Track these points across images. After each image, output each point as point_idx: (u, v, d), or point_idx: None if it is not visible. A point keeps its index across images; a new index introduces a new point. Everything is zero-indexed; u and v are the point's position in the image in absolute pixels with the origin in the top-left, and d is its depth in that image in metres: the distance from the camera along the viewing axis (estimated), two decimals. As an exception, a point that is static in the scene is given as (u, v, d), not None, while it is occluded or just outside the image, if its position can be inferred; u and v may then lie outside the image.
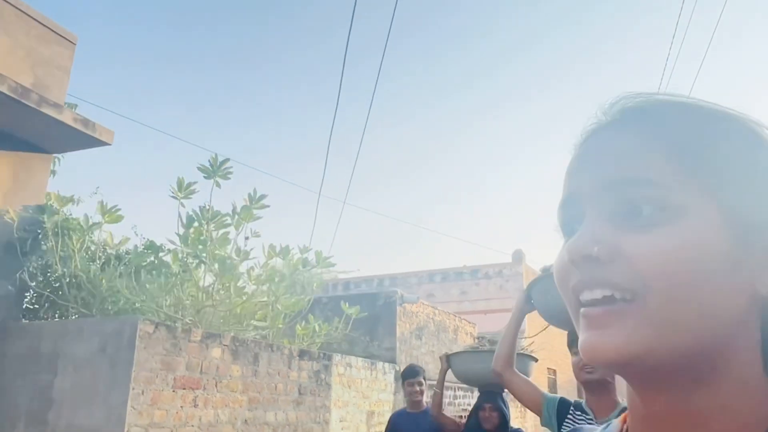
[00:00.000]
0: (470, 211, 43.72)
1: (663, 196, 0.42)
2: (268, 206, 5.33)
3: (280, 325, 6.23)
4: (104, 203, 4.63)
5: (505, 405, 3.45)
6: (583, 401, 2.23)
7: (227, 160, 5.32)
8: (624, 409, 1.68)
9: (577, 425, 2.04)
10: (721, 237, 0.41)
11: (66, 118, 4.67)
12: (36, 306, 4.74)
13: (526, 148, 41.56)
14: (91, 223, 4.63)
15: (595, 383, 2.13)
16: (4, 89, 4.23)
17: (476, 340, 4.11)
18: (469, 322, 11.31)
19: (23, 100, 4.36)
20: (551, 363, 18.41)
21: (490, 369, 3.38)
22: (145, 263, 4.66)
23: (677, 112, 0.45)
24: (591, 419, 2.14)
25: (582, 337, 0.43)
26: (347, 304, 6.86)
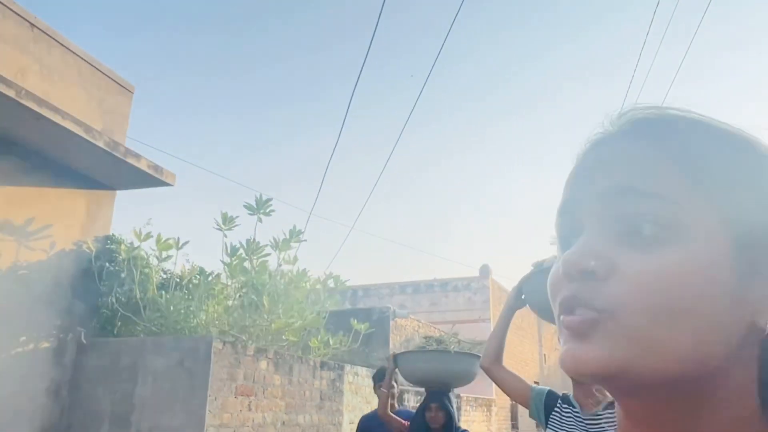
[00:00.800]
0: (440, 227, 45.32)
1: (671, 212, 0.39)
2: (305, 240, 6.27)
3: (296, 339, 7.15)
4: (177, 239, 5.49)
5: (451, 404, 3.46)
6: (570, 394, 2.24)
7: (270, 199, 6.24)
8: (611, 403, 2.52)
9: (564, 418, 2.19)
10: (726, 264, 0.39)
11: (142, 165, 5.50)
12: (110, 325, 5.52)
13: (493, 172, 43.38)
14: (165, 256, 5.48)
15: None
16: (101, 144, 5.04)
17: (424, 340, 3.99)
18: (446, 333, 12.40)
19: (113, 152, 5.18)
20: (513, 370, 19.75)
21: (437, 368, 3.45)
22: (212, 290, 5.53)
23: (691, 128, 0.43)
24: (578, 412, 2.15)
25: (563, 347, 0.41)
26: (355, 320, 7.84)
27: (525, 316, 22.04)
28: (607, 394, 1.78)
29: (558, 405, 2.23)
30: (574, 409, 2.17)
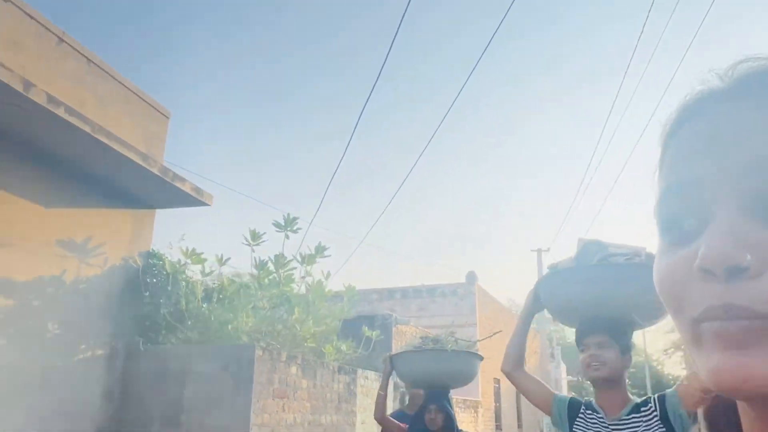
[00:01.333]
0: (426, 233, 46.61)
1: None
2: (329, 256, 6.86)
3: (313, 345, 7.74)
4: (221, 256, 6.04)
5: (450, 405, 3.39)
6: (593, 400, 2.16)
7: (297, 218, 6.82)
8: (636, 406, 2.05)
9: (589, 424, 2.12)
10: None
11: (186, 188, 6.04)
12: (156, 333, 6.04)
13: (477, 183, 44.67)
14: (209, 271, 6.03)
15: (603, 380, 2.05)
16: (155, 170, 5.57)
17: (420, 340, 3.73)
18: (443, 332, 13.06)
19: (164, 177, 5.72)
20: (496, 373, 20.51)
21: (434, 368, 3.37)
22: (249, 302, 6.10)
23: None
24: (602, 417, 2.08)
25: (715, 359, 0.35)
26: (366, 327, 8.46)
27: (501, 312, 22.86)
28: (631, 396, 2.18)
29: (582, 411, 2.18)
30: (598, 415, 2.11)
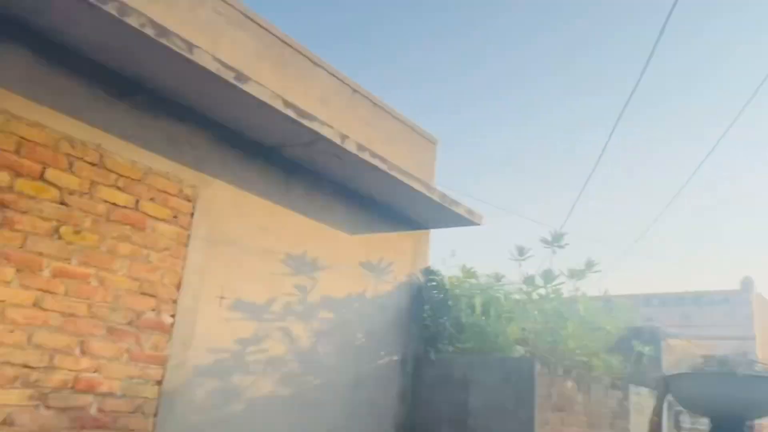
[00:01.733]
0: (690, 232, 42.30)
1: None
2: (599, 271, 6.81)
3: (584, 359, 7.68)
4: (498, 274, 6.46)
5: None
6: None
7: (564, 234, 6.90)
8: None
9: None
10: None
11: (461, 210, 6.56)
12: (438, 343, 6.68)
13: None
14: (486, 287, 6.50)
15: None
16: (436, 198, 6.19)
17: (702, 360, 3.41)
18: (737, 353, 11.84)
19: (443, 203, 6.31)
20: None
21: (724, 395, 3.00)
22: (525, 314, 6.41)
23: None
24: None
25: None
26: (637, 342, 8.14)
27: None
28: None
29: None
30: None
